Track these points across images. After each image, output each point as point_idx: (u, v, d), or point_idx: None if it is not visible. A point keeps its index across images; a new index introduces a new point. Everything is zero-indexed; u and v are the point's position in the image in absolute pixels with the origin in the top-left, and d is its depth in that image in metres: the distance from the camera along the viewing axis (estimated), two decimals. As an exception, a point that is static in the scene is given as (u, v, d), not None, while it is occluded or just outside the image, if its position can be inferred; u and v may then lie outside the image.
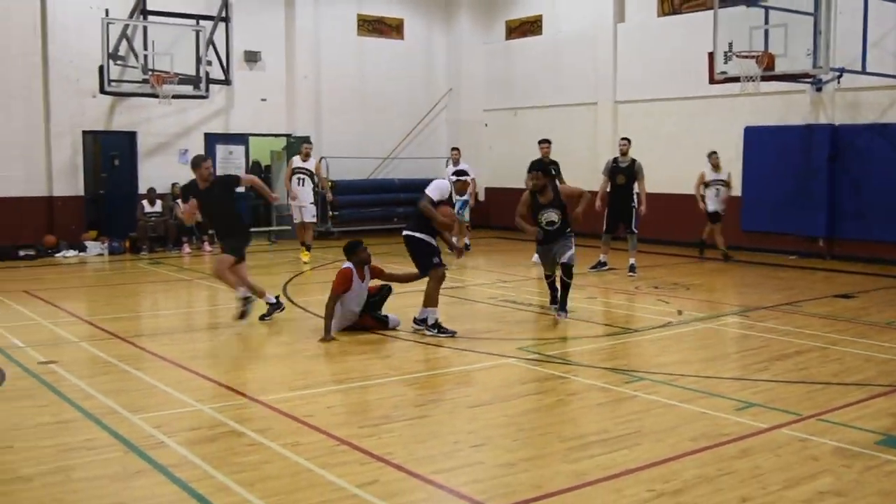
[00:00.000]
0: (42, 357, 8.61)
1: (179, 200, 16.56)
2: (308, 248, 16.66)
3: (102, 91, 18.45)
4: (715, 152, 16.63)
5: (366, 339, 9.58)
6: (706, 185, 16.56)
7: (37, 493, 5.21)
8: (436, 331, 9.67)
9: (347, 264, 9.75)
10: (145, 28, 18.64)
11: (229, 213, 10.70)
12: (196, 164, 10.64)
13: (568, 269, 10.58)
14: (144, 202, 18.68)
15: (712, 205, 16.46)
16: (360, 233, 10.28)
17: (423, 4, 23.96)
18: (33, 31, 18.33)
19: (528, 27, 23.27)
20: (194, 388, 7.54)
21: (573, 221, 10.75)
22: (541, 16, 22.91)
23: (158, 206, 18.82)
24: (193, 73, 18.91)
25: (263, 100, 21.28)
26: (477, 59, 24.20)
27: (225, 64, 19.97)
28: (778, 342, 9.49)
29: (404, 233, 9.96)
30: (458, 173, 15.99)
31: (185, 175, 19.47)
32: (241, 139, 21.02)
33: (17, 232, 17.62)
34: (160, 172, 19.51)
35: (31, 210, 18.29)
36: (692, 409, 6.88)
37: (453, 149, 18.93)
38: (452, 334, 9.63)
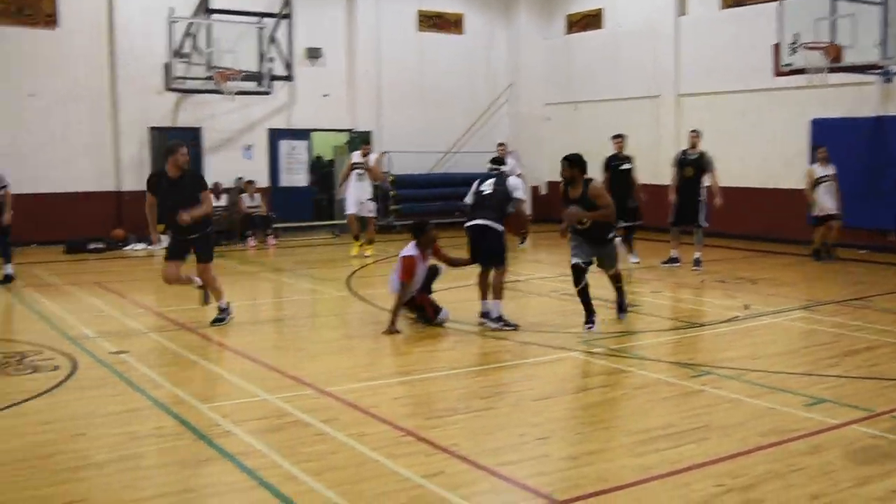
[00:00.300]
0: (113, 347, 8.77)
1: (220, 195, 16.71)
2: (370, 242, 16.68)
3: (168, 88, 18.77)
4: (823, 146, 15.61)
5: (429, 333, 9.59)
6: (816, 182, 15.43)
7: (109, 479, 5.31)
8: (501, 324, 9.64)
9: (410, 251, 9.72)
10: (209, 26, 18.91)
11: (172, 212, 9.71)
12: (172, 149, 9.79)
13: (614, 278, 10.09)
14: (211, 196, 18.92)
15: (828, 203, 15.34)
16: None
17: (483, 0, 23.89)
18: (101, 30, 18.71)
19: (589, 21, 23.08)
20: (260, 378, 7.62)
21: (565, 218, 9.52)
22: (601, 9, 22.70)
23: (223, 201, 19.06)
24: (256, 69, 19.14)
25: (325, 95, 21.42)
26: (537, 53, 24.07)
27: (287, 60, 20.16)
28: (848, 337, 9.29)
29: (482, 222, 9.76)
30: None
31: (249, 170, 19.96)
32: (303, 134, 21.24)
33: (86, 226, 18.00)
34: (225, 167, 19.79)
35: (100, 204, 18.67)
36: (761, 404, 6.76)
37: (500, 144, 18.69)
38: (515, 327, 9.59)
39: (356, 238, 16.54)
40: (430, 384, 7.69)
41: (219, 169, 19.63)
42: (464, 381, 7.72)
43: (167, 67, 18.52)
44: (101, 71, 18.76)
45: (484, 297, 9.90)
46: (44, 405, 6.89)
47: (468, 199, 10.06)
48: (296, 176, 21.20)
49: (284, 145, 20.95)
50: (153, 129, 19.25)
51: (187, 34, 18.83)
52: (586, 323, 9.58)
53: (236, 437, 5.97)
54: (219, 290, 10.16)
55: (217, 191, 19.02)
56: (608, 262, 9.87)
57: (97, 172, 18.79)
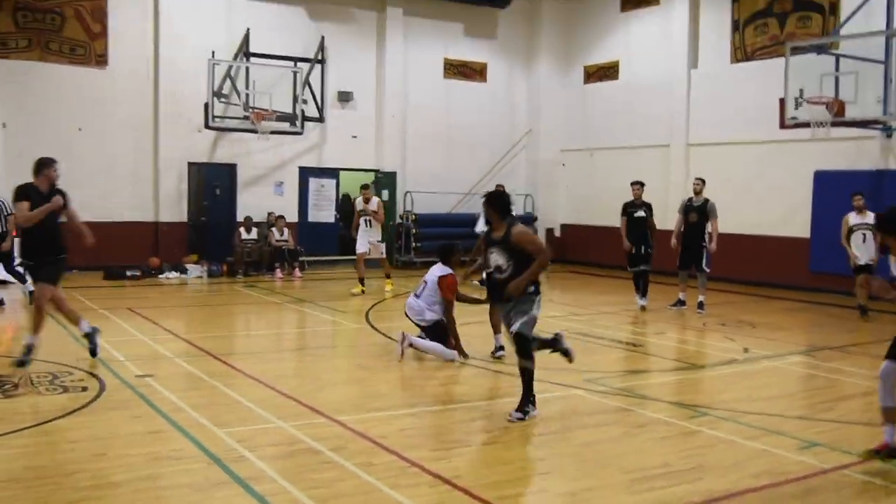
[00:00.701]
0: (139, 371, 8.75)
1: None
2: (388, 277, 16.53)
3: (207, 126, 18.94)
4: (860, 193, 14.16)
5: (440, 366, 9.50)
6: (851, 231, 14.01)
7: (125, 498, 5.27)
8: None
9: (446, 270, 9.77)
10: (247, 69, 19.13)
11: (56, 230, 9.15)
12: (47, 163, 9.17)
13: (519, 342, 7.37)
14: (241, 229, 19.02)
15: (862, 255, 13.82)
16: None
17: (505, 50, 24.00)
18: (146, 70, 18.95)
19: (605, 72, 23.11)
20: (277, 405, 7.56)
21: (509, 291, 7.34)
22: (618, 61, 22.73)
23: (254, 234, 19.14)
24: (290, 110, 19.30)
25: (354, 137, 21.54)
26: (555, 101, 24.10)
27: (319, 103, 20.33)
28: (844, 383, 9.13)
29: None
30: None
31: (279, 205, 20.03)
32: (332, 173, 21.34)
33: (125, 253, 18.08)
34: (256, 202, 19.92)
35: (139, 234, 18.79)
36: (755, 446, 6.62)
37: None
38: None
39: (361, 280, 15.98)
40: (438, 416, 7.61)
41: (251, 203, 19.77)
42: (471, 413, 7.63)
43: (207, 107, 18.70)
44: (146, 108, 18.99)
45: (497, 331, 9.82)
46: (71, 424, 6.87)
47: (480, 228, 10.08)
48: (323, 212, 21.29)
49: (314, 183, 21.06)
50: (192, 164, 19.40)
51: (227, 76, 19.06)
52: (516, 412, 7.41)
53: (248, 462, 5.91)
54: (41, 321, 9.11)
55: (248, 224, 19.11)
56: (517, 315, 7.37)
57: (138, 203, 18.96)
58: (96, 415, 7.17)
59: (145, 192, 19.09)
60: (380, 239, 16.50)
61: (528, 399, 7.37)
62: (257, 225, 19.41)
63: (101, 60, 18.55)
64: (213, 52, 18.58)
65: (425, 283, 9.88)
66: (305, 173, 20.92)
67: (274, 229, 19.24)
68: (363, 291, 15.81)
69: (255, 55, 19.44)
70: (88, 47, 18.51)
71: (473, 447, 6.53)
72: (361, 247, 16.23)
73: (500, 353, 9.76)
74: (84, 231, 9.17)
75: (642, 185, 14.90)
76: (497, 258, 7.46)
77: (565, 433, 7.01)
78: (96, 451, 6.15)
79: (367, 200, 16.26)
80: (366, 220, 16.22)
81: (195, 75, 18.64)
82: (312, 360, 10.12)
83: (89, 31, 18.52)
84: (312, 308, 14.37)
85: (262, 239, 19.25)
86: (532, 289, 7.38)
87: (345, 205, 22.46)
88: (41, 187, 9.09)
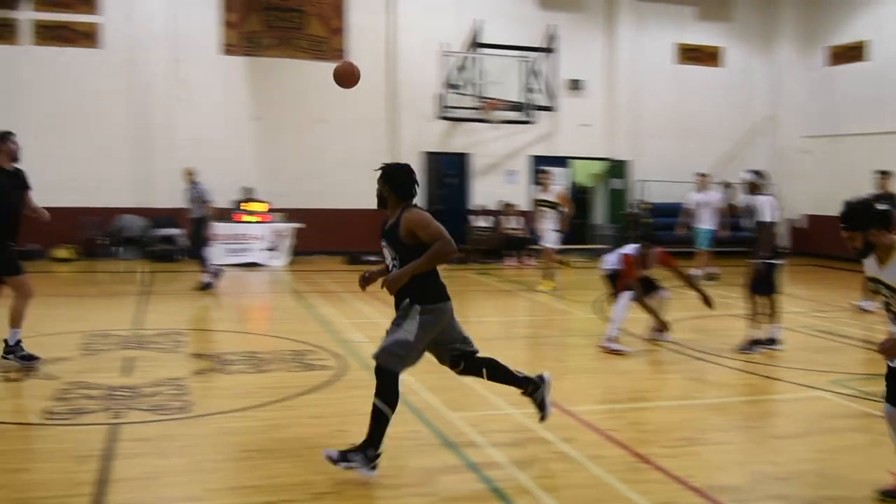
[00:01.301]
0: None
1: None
2: (550, 277, 14.98)
3: (440, 116, 19.46)
4: None
5: (675, 359, 9.26)
6: None
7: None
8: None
9: (629, 250, 9.60)
10: (479, 60, 19.49)
11: (16, 212, 8.20)
12: (3, 137, 8.13)
13: (377, 374, 5.44)
14: (475, 217, 19.46)
15: None
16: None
17: (742, 33, 22.95)
18: (383, 64, 19.75)
19: (852, 53, 21.53)
20: (507, 392, 7.56)
21: (384, 284, 5.53)
22: (866, 41, 21.11)
23: (487, 222, 19.50)
24: (520, 100, 19.46)
25: (586, 125, 21.37)
26: (797, 85, 22.76)
27: (550, 91, 20.33)
28: None
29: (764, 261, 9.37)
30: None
31: (510, 194, 20.22)
32: (563, 162, 21.29)
33: (363, 240, 18.92)
34: (489, 190, 20.27)
35: (374, 220, 19.53)
36: None
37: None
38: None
39: (550, 276, 14.96)
40: (669, 412, 7.41)
41: (483, 192, 20.17)
42: (705, 412, 7.36)
43: (440, 97, 19.21)
44: (380, 100, 19.80)
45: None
46: (314, 400, 7.29)
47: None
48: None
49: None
50: (425, 153, 20.02)
51: (459, 67, 19.48)
52: None
53: (480, 448, 6.01)
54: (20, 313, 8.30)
55: (481, 212, 19.49)
56: (389, 332, 5.56)
57: (374, 192, 19.73)
58: (338, 392, 7.56)
59: (381, 180, 19.90)
60: (553, 228, 14.90)
61: (368, 444, 5.36)
62: (490, 213, 19.74)
63: (337, 54, 19.54)
64: (443, 44, 19.06)
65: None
66: (536, 162, 21.01)
67: (505, 217, 19.49)
68: (554, 288, 14.70)
69: (485, 46, 19.74)
70: (328, 43, 19.55)
71: (707, 446, 6.29)
72: (548, 240, 15.00)
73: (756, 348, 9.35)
74: (40, 211, 8.42)
75: (888, 174, 13.66)
76: (385, 250, 5.61)
77: (807, 437, 6.62)
78: (338, 427, 6.47)
79: (545, 189, 15.04)
80: (546, 209, 14.86)
81: (426, 66, 19.22)
82: (543, 349, 10.17)
83: (329, 27, 19.57)
84: (543, 296, 14.40)
85: (494, 227, 19.55)
86: (410, 298, 5.39)
87: (575, 193, 22.35)
88: (3, 164, 8.13)
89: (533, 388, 6.00)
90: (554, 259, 15.18)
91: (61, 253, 17.65)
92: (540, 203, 14.96)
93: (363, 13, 19.81)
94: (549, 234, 14.87)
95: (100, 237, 18.24)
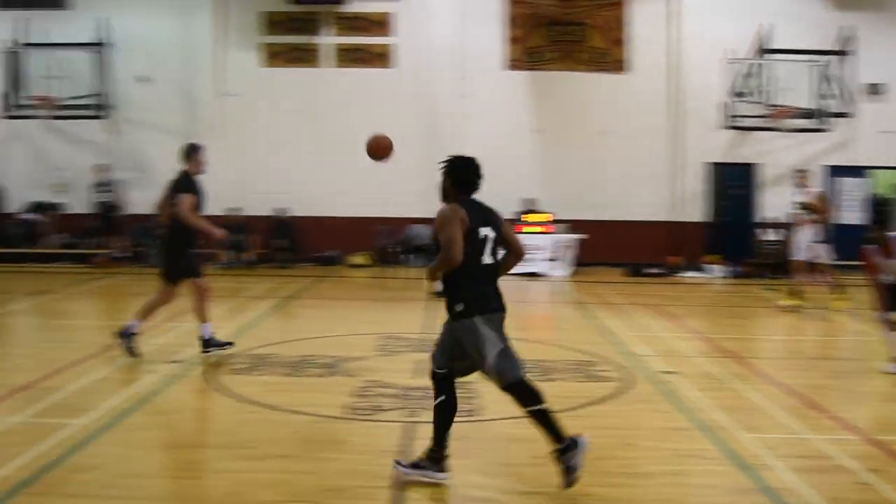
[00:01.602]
0: (662, 367, 8.99)
1: None
2: (798, 294, 13.64)
3: (725, 126, 18.83)
4: None
5: None
6: None
7: (654, 489, 5.47)
8: None
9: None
10: (766, 65, 18.66)
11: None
12: (196, 149, 9.09)
13: (509, 391, 5.40)
14: (762, 230, 18.69)
15: None
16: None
17: None
18: (665, 72, 19.46)
19: None
20: (802, 415, 7.24)
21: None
22: None
23: (775, 235, 18.61)
24: (812, 106, 18.42)
25: (888, 132, 19.74)
26: None
27: (846, 96, 19.02)
28: None
29: None
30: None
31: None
32: (861, 172, 19.79)
33: (642, 252, 18.74)
34: (779, 202, 19.23)
35: (657, 233, 19.32)
36: None
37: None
38: None
39: (798, 293, 13.61)
40: None
41: (772, 203, 19.20)
42: None
43: (725, 106, 18.60)
44: (662, 110, 19.50)
45: None
46: (599, 412, 7.31)
47: None
48: (847, 213, 19.78)
49: (846, 183, 19.70)
50: (710, 164, 19.45)
51: (746, 74, 18.76)
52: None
53: (776, 472, 5.75)
54: None
55: (769, 225, 18.66)
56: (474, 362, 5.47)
57: (655, 203, 19.51)
58: (622, 405, 7.54)
59: (662, 192, 19.58)
60: (812, 239, 13.39)
61: (557, 440, 5.29)
62: (781, 226, 18.79)
63: (619, 66, 19.46)
64: (728, 51, 18.44)
65: None
66: (831, 172, 19.69)
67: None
68: (798, 306, 13.39)
69: (773, 51, 18.83)
70: (609, 54, 19.56)
71: None
72: (799, 252, 13.52)
73: None
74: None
75: None
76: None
77: None
78: (624, 440, 6.46)
79: (804, 188, 13.58)
80: (802, 215, 13.42)
81: (710, 74, 18.69)
82: (841, 372, 9.49)
83: (610, 38, 19.57)
84: (839, 315, 13.40)
85: (785, 241, 18.58)
86: (460, 307, 5.36)
87: (876, 206, 20.70)
88: (194, 173, 9.01)
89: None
90: (827, 276, 13.73)
91: (357, 259, 18.96)
92: (800, 207, 13.56)
93: (645, 23, 19.60)
94: (816, 246, 13.39)
95: (391, 245, 19.38)
